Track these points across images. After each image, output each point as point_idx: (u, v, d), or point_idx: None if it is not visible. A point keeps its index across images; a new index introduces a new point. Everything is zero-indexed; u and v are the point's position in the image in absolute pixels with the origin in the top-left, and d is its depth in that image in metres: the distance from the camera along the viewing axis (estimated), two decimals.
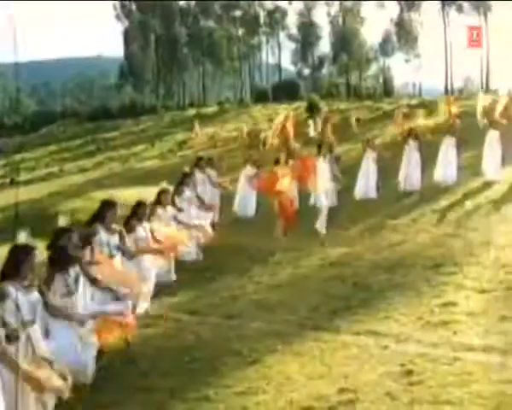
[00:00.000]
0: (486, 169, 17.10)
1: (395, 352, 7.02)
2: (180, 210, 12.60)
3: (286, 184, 13.37)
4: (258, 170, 16.86)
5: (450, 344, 7.06)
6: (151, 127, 52.75)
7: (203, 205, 13.49)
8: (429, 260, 10.71)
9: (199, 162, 15.74)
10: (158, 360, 7.32)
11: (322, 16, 66.71)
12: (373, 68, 69.51)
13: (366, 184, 17.15)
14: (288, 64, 74.72)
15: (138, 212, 9.44)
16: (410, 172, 17.33)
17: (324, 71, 70.28)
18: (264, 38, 69.66)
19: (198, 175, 15.27)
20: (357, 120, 27.71)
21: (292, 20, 69.39)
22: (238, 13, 66.69)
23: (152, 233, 9.58)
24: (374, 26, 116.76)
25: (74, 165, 37.44)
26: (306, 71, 71.67)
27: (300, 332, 7.97)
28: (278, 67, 68.97)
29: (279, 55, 68.63)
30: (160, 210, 10.83)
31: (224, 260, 12.29)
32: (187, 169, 13.86)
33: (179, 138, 41.72)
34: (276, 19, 66.84)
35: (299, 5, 68.16)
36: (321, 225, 13.97)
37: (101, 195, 19.01)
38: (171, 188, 11.81)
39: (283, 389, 6.32)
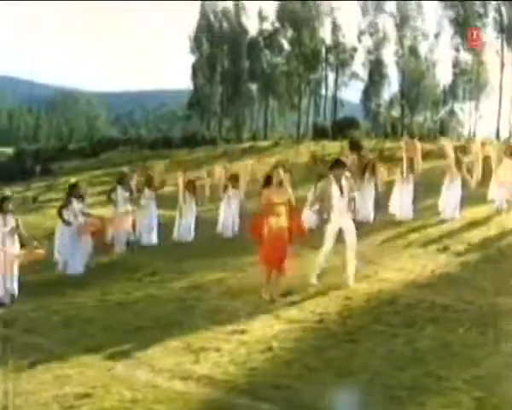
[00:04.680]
0: (443, 207, 16.01)
1: (113, 375, 6.36)
2: (68, 223, 12.42)
3: (277, 222, 9.33)
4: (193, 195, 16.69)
5: (173, 373, 6.34)
6: (202, 157, 52.89)
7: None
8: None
9: (122, 179, 15.45)
10: None
11: (388, 55, 64.58)
12: (441, 111, 67.60)
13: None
14: (357, 101, 73.77)
15: None
16: (363, 205, 16.41)
17: (387, 110, 68.95)
18: (330, 74, 69.09)
19: (120, 191, 15.01)
20: None
21: (359, 59, 68.40)
22: (304, 49, 66.20)
23: None
24: (441, 69, 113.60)
25: (99, 188, 37.74)
26: (374, 109, 70.68)
27: (59, 353, 7.37)
28: (334, 104, 68.22)
29: (335, 92, 67.88)
30: None
31: (100, 276, 11.90)
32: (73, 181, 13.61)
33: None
34: (340, 56, 66.37)
35: (368, 42, 67.11)
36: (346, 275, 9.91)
37: None
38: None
39: None
